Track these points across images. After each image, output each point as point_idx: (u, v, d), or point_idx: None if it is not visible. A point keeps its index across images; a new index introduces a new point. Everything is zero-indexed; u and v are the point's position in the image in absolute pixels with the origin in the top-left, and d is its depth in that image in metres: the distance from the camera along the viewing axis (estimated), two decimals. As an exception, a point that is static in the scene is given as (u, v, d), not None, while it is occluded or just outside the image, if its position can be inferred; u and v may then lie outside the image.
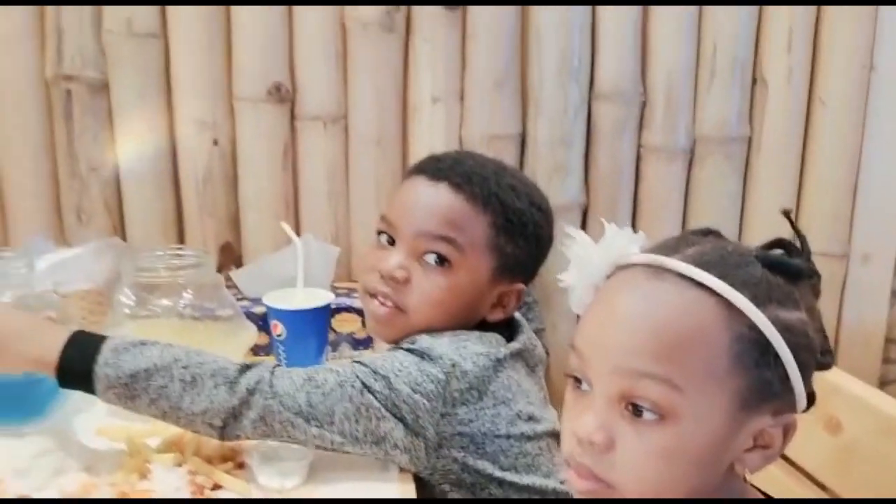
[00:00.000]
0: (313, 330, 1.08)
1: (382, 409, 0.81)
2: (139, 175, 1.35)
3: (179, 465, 0.86)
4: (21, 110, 1.32)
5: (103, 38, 1.30)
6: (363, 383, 0.81)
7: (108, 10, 1.29)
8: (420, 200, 0.90)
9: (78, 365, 0.80)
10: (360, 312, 1.21)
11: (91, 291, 1.19)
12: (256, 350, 1.18)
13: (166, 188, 1.37)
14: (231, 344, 1.04)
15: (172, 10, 1.31)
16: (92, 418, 0.95)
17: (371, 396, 0.81)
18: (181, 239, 1.39)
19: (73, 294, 1.16)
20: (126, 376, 0.79)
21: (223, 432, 0.81)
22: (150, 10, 1.30)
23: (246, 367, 0.83)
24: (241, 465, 0.87)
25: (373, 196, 1.39)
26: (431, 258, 0.89)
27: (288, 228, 1.15)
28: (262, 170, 1.37)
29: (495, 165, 0.95)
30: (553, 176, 1.41)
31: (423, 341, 0.86)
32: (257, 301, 1.16)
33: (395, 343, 0.90)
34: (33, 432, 0.91)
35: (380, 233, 0.94)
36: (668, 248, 0.59)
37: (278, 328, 1.07)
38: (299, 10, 1.33)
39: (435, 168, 0.92)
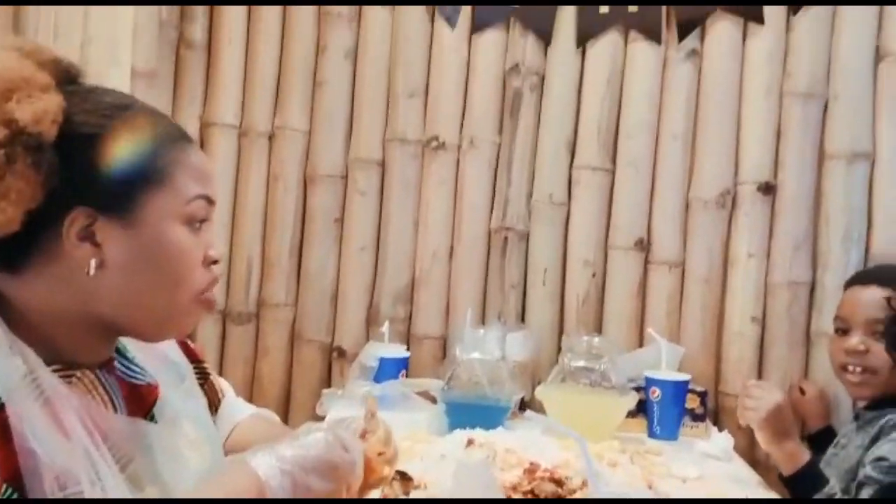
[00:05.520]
0: (679, 398, 1.66)
1: None
2: (539, 291, 2.04)
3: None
4: (473, 249, 2.08)
5: (532, 205, 2.05)
6: None
7: (537, 187, 2.04)
8: (860, 299, 1.51)
9: None
10: (698, 394, 1.77)
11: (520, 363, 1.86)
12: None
13: (556, 302, 2.05)
14: (621, 405, 1.64)
15: (575, 189, 2.03)
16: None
17: None
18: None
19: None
20: None
21: None
22: (563, 188, 2.03)
23: None
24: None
25: (699, 319, 1.97)
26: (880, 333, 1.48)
27: (654, 333, 1.77)
28: (622, 296, 2.01)
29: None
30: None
31: None
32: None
33: (873, 399, 1.49)
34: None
35: (836, 329, 1.56)
36: None
37: (656, 392, 1.66)
38: (660, 189, 1.99)
39: (862, 277, 1.56)
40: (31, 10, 1.75)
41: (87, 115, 0.74)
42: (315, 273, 2.14)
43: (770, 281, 1.95)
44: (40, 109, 0.69)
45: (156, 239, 0.76)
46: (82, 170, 0.73)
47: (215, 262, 0.82)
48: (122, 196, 0.75)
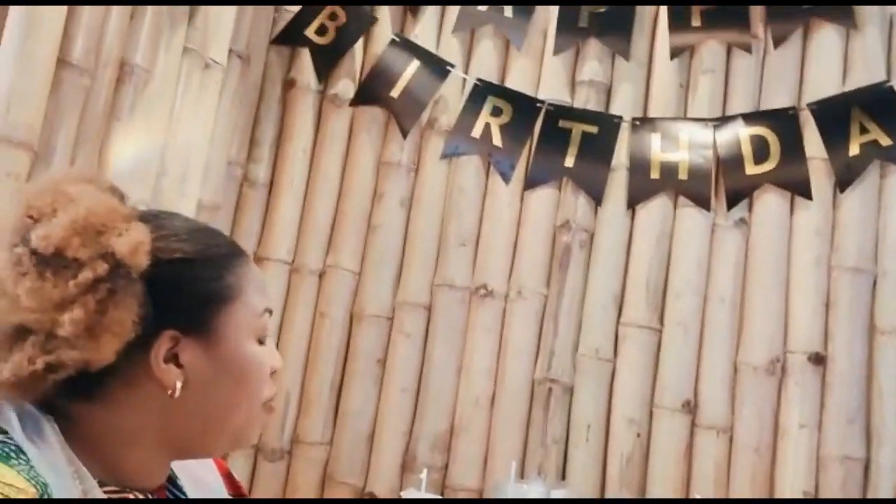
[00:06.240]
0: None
1: None
2: (582, 448, 1.99)
3: None
4: (515, 399, 2.05)
5: (577, 359, 2.04)
6: None
7: (583, 341, 2.04)
8: None
9: None
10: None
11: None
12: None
13: (599, 460, 1.99)
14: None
15: (621, 346, 2.03)
16: None
17: None
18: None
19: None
20: None
21: None
22: (609, 343, 2.03)
23: None
24: None
25: (748, 489, 1.90)
26: None
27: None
28: (668, 458, 1.95)
29: None
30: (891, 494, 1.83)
31: None
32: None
33: None
34: None
35: None
36: None
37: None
38: (708, 351, 1.98)
39: None
40: (114, 144, 1.85)
41: (165, 241, 0.76)
42: (353, 413, 2.11)
43: (822, 454, 1.89)
44: (134, 241, 0.71)
45: (234, 354, 0.76)
46: (166, 294, 0.74)
47: (274, 372, 0.83)
48: (203, 315, 0.76)
